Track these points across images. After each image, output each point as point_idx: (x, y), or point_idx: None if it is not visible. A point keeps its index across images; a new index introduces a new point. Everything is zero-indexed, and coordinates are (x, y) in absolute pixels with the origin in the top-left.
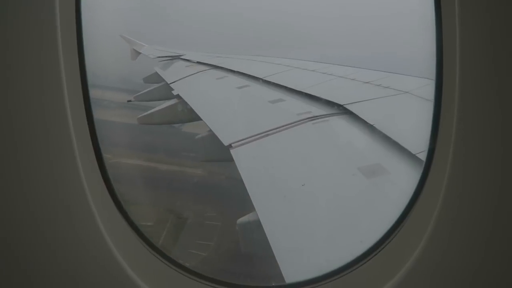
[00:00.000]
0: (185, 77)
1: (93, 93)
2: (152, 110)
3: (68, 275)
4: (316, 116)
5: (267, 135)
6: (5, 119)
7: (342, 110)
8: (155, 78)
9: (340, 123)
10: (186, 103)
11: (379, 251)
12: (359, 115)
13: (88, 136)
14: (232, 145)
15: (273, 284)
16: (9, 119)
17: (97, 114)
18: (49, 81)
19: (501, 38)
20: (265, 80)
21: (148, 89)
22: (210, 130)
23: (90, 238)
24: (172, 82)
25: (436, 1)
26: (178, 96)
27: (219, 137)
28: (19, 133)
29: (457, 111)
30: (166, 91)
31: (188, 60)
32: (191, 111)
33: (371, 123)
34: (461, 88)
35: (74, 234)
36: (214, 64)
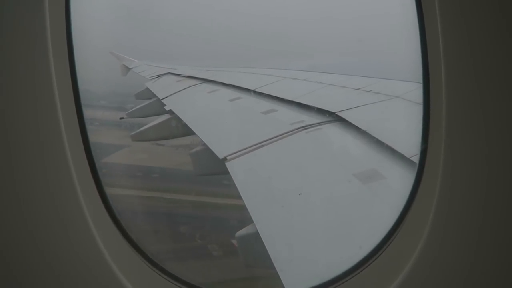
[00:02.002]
0: (176, 92)
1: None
2: (145, 127)
3: (59, 280)
4: (309, 125)
5: (262, 146)
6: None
7: (334, 117)
8: (147, 93)
9: (333, 130)
10: (179, 118)
11: (377, 257)
12: (351, 122)
13: (81, 144)
14: (227, 157)
15: None
16: (4, 132)
17: None
18: (42, 97)
19: (482, 39)
20: (257, 92)
21: (140, 105)
22: (204, 144)
23: (84, 245)
24: (164, 98)
25: (418, 6)
26: (170, 111)
27: (213, 150)
28: (14, 142)
29: (445, 113)
30: (158, 107)
31: (178, 75)
32: (184, 125)
33: (364, 129)
34: (448, 90)
35: (68, 241)
36: (205, 77)
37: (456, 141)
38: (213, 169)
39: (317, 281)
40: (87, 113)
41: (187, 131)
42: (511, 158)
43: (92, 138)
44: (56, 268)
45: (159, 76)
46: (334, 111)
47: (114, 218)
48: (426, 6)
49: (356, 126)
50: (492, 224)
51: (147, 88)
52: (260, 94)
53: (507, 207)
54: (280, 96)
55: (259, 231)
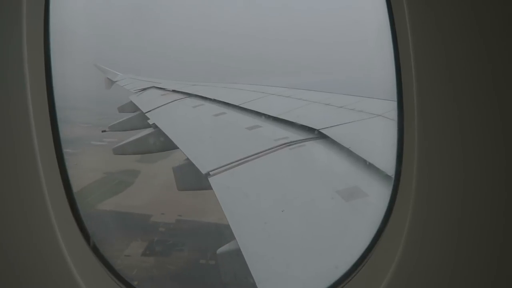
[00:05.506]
0: (160, 106)
1: None
2: (127, 140)
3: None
4: (293, 142)
5: (246, 161)
6: None
7: (318, 134)
8: (130, 107)
9: (316, 147)
10: (162, 132)
11: (356, 274)
12: (335, 139)
13: (53, 152)
14: (210, 173)
15: None
16: None
17: None
18: (16, 114)
19: (455, 58)
20: (242, 107)
21: (123, 119)
22: (187, 159)
23: (52, 259)
24: (147, 111)
25: (392, 29)
26: (154, 125)
27: (196, 165)
28: None
29: (417, 130)
30: (141, 120)
31: (163, 89)
32: (168, 140)
33: (347, 147)
34: (420, 106)
35: (36, 251)
36: (189, 92)
37: (429, 160)
38: (196, 185)
39: None
40: None
41: (170, 146)
42: (485, 174)
43: None
44: (22, 276)
45: (143, 89)
46: (317, 128)
47: (83, 229)
48: (399, 26)
49: (339, 143)
50: (467, 239)
51: (131, 102)
52: (244, 109)
53: (482, 223)
54: (265, 112)
55: (241, 248)
